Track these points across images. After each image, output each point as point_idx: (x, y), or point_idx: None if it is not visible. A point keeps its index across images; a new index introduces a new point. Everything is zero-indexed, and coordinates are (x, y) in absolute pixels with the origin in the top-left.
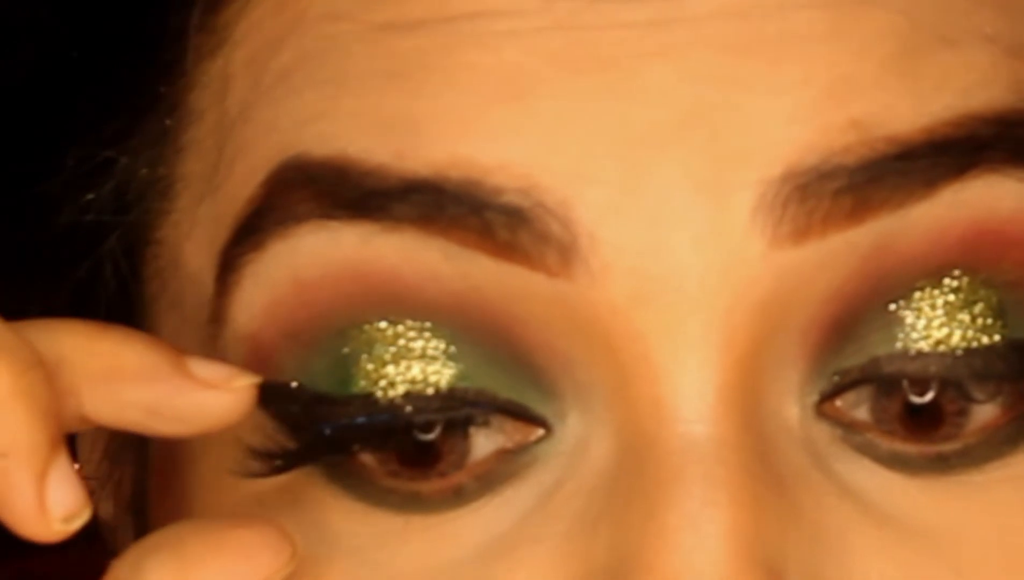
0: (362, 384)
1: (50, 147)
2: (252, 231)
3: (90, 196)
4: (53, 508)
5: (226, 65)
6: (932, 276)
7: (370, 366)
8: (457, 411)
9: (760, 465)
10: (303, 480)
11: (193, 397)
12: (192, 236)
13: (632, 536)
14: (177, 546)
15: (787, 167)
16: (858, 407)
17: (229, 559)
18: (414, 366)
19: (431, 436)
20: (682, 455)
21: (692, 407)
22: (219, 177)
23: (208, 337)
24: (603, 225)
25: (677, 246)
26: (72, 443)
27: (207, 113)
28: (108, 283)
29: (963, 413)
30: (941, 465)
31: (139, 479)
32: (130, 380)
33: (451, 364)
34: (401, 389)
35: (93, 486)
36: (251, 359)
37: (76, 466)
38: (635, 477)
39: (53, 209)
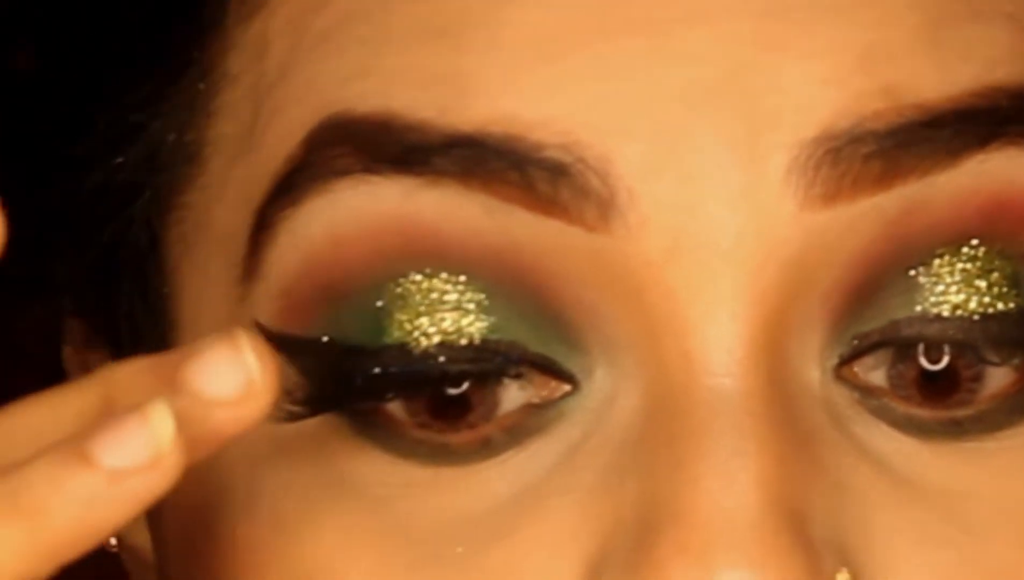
0: (396, 335)
1: (80, 110)
2: (289, 188)
3: (118, 160)
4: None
5: (265, 28)
6: (951, 244)
7: (404, 317)
8: (489, 362)
9: (785, 420)
10: (330, 432)
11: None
12: (223, 198)
13: (662, 485)
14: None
15: (821, 130)
16: (874, 372)
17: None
18: (448, 318)
19: (461, 390)
20: (711, 407)
21: (721, 361)
22: (254, 138)
23: (237, 296)
24: (642, 180)
25: (712, 203)
26: None
27: (243, 76)
28: (131, 248)
29: (977, 379)
30: (955, 430)
31: None
32: None
33: (484, 317)
34: (436, 339)
35: None
36: (281, 315)
37: None
38: (664, 429)
39: (81, 172)
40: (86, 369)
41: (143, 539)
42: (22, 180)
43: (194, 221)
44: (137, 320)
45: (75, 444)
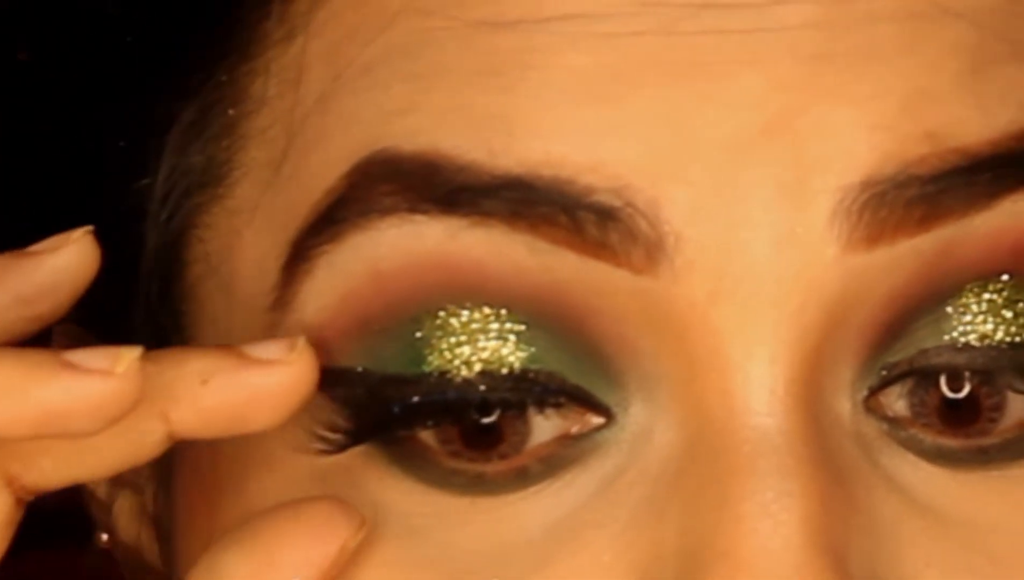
0: (436, 363)
1: (104, 132)
2: (330, 222)
3: (145, 181)
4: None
5: (301, 55)
6: (982, 279)
7: (444, 346)
8: (528, 392)
9: (824, 459)
10: (364, 463)
11: (266, 381)
12: (253, 223)
13: (705, 522)
14: (252, 537)
15: (866, 175)
16: (897, 402)
17: (305, 539)
18: (488, 347)
19: (491, 418)
20: (754, 446)
21: (762, 400)
22: (289, 166)
23: (268, 324)
24: (689, 225)
25: (757, 246)
26: None
27: (275, 102)
28: (153, 264)
29: (998, 408)
30: (982, 458)
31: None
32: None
33: (524, 347)
34: (477, 367)
35: None
36: (316, 347)
37: None
38: (705, 466)
39: (106, 192)
40: None
41: (142, 538)
42: (49, 198)
43: (219, 242)
44: (153, 335)
45: None
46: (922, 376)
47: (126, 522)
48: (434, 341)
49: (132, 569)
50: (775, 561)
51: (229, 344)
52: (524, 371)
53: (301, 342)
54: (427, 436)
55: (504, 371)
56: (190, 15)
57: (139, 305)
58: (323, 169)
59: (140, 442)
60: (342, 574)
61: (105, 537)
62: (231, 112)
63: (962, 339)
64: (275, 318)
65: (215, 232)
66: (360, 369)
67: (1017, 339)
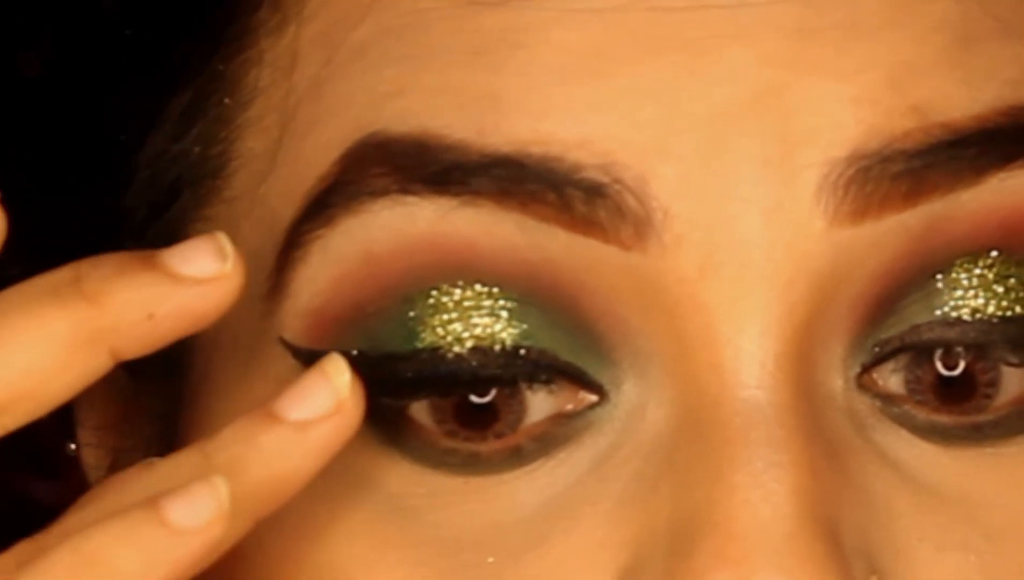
0: (429, 339)
1: (102, 127)
2: (323, 207)
3: (144, 174)
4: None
5: (294, 42)
6: (971, 255)
7: (436, 322)
8: (519, 369)
9: (815, 431)
10: (359, 444)
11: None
12: (251, 214)
13: (697, 495)
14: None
15: (852, 149)
16: (892, 378)
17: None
18: (480, 324)
19: (488, 398)
20: (745, 418)
21: (752, 373)
22: (284, 154)
23: (261, 313)
24: (677, 200)
25: (745, 220)
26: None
27: (270, 90)
28: None
29: (993, 384)
30: (975, 435)
31: (166, 436)
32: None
33: (516, 324)
34: (469, 344)
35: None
36: (310, 332)
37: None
38: (696, 440)
39: (108, 187)
40: None
41: None
42: (49, 196)
43: None
44: None
45: (262, 407)
46: (916, 353)
47: None
48: (426, 318)
49: None
50: (766, 530)
51: (226, 333)
52: (516, 347)
53: (231, 254)
54: (422, 416)
55: (496, 348)
56: (183, 6)
57: None
58: (316, 155)
59: (87, 370)
60: (337, 552)
61: None
62: (227, 101)
63: (953, 314)
64: (268, 307)
65: (215, 224)
66: (355, 353)
67: (1008, 313)
